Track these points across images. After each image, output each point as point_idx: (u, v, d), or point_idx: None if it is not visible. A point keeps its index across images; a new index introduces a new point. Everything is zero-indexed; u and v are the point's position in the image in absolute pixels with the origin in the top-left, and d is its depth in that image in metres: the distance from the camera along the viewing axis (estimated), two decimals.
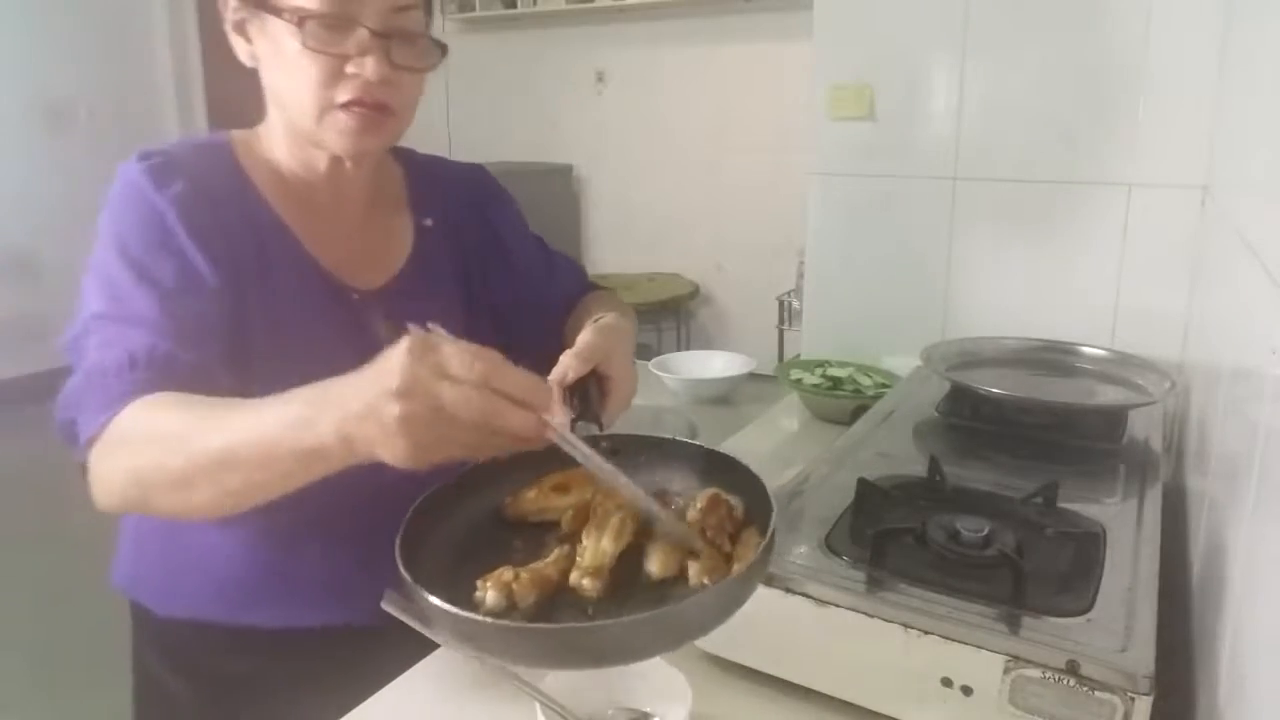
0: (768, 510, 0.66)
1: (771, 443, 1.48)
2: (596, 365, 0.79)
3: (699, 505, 0.70)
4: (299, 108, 0.84)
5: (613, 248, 4.22)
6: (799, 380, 1.57)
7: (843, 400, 1.48)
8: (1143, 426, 1.17)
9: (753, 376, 1.81)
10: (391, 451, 0.58)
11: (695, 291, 3.91)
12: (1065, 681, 0.67)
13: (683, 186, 3.99)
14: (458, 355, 0.57)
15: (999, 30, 1.48)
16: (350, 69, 0.82)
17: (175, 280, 0.80)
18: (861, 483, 0.90)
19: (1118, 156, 1.41)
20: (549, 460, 0.68)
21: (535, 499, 0.73)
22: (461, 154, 4.39)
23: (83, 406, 0.74)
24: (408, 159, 1.06)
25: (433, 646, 0.81)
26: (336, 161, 0.91)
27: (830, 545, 0.84)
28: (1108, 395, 1.23)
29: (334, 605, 0.92)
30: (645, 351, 3.90)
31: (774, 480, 1.20)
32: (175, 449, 0.69)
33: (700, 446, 0.79)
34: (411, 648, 0.82)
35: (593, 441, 0.68)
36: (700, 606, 0.60)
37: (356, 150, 0.87)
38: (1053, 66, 1.45)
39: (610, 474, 0.65)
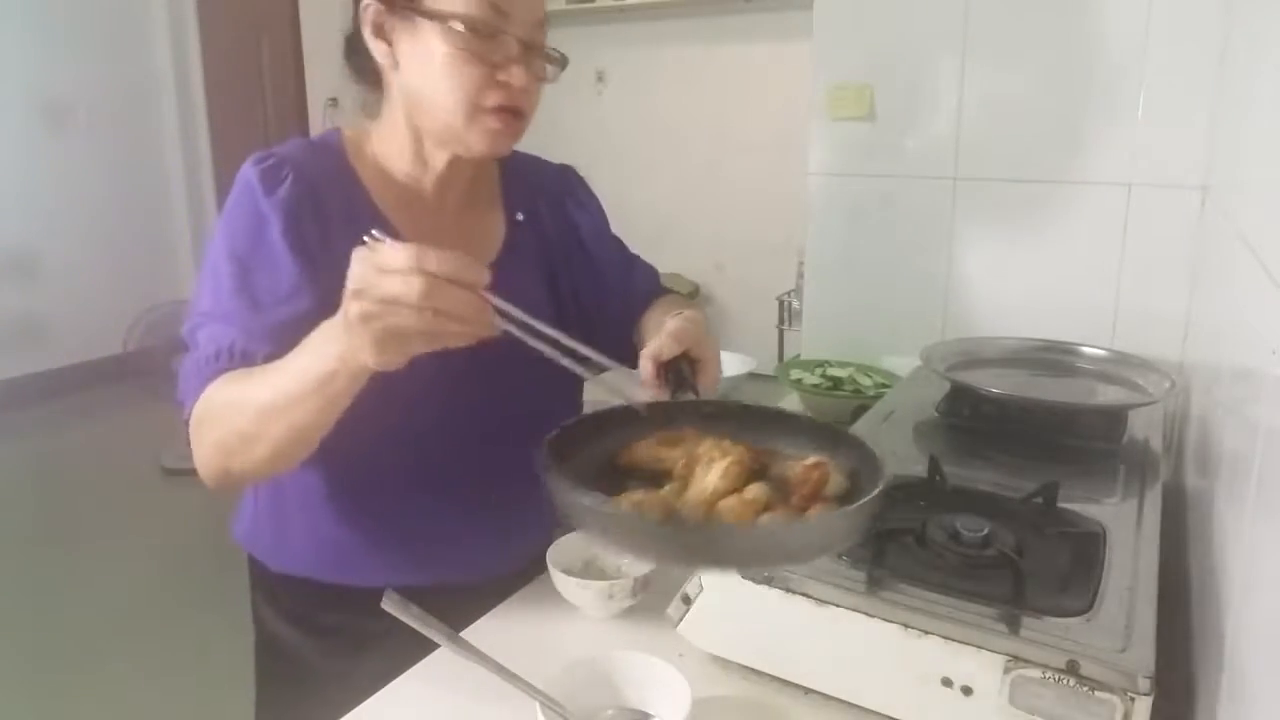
0: (876, 474, 0.66)
1: None
2: (688, 348, 0.85)
3: (806, 463, 0.70)
4: (447, 110, 0.89)
5: None
6: (799, 380, 1.57)
7: (843, 400, 1.48)
8: (1143, 426, 1.17)
9: (753, 376, 1.81)
10: (363, 351, 0.68)
11: (695, 291, 3.91)
12: (1065, 681, 0.67)
13: (683, 186, 3.99)
14: (393, 251, 0.65)
15: (999, 30, 1.48)
16: (500, 76, 0.88)
17: (272, 288, 0.86)
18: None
19: (1118, 156, 1.41)
20: (660, 422, 0.76)
21: (647, 447, 0.75)
22: None
23: (184, 393, 0.85)
24: (505, 157, 1.08)
25: (433, 646, 0.81)
26: (455, 162, 0.96)
27: None
28: (1108, 395, 1.23)
29: (428, 567, 0.98)
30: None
31: None
32: (239, 412, 0.79)
33: (811, 419, 0.82)
34: (413, 648, 0.83)
35: (695, 405, 0.77)
36: (824, 528, 0.63)
37: (496, 151, 0.93)
38: (1053, 66, 1.44)
39: (550, 341, 0.72)
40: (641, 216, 4.17)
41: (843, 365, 1.62)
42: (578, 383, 1.01)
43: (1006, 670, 0.69)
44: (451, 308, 0.65)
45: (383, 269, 0.65)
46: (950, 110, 1.53)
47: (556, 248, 1.10)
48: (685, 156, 3.95)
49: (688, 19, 3.80)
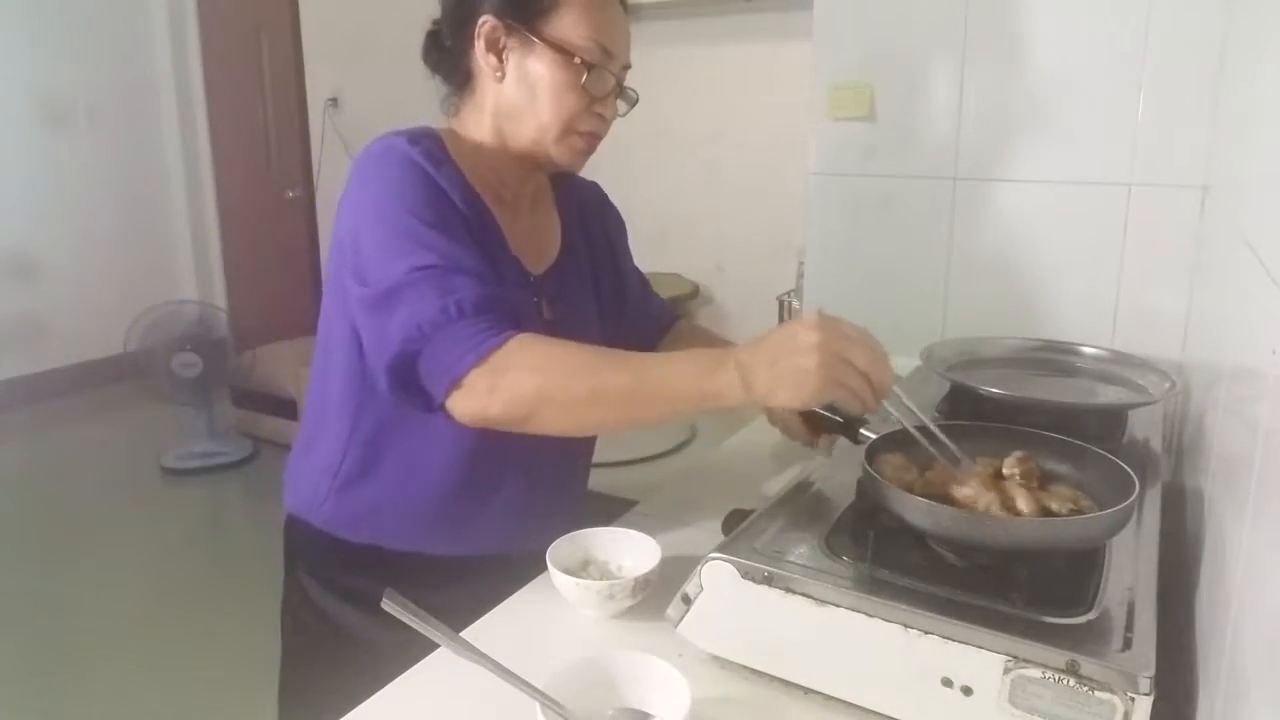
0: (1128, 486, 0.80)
1: (771, 443, 1.48)
2: None
3: (1015, 456, 0.88)
4: (542, 128, 0.99)
5: None
6: None
7: None
8: (1143, 426, 1.17)
9: None
10: (794, 392, 0.80)
11: (695, 291, 3.91)
12: (1065, 681, 0.67)
13: (683, 186, 3.98)
14: (856, 329, 0.82)
15: (999, 30, 1.48)
16: (596, 108, 0.99)
17: (470, 246, 0.92)
18: (861, 483, 0.90)
19: (1118, 156, 1.41)
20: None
21: (895, 462, 0.88)
22: None
23: (446, 342, 0.86)
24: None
25: (432, 647, 0.81)
26: (530, 175, 1.06)
27: (830, 545, 0.84)
28: (1108, 395, 1.23)
29: (516, 535, 1.06)
30: None
31: (773, 481, 1.21)
32: (585, 376, 0.85)
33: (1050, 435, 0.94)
34: (414, 649, 0.83)
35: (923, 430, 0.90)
36: (1088, 524, 0.78)
37: (574, 167, 1.05)
38: (1053, 66, 1.44)
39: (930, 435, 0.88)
40: (641, 216, 4.16)
41: None
42: None
43: (1006, 670, 0.69)
44: (879, 380, 0.81)
45: (845, 336, 0.80)
46: (950, 110, 1.53)
47: (599, 255, 1.19)
48: (685, 156, 3.95)
49: (688, 19, 3.80)
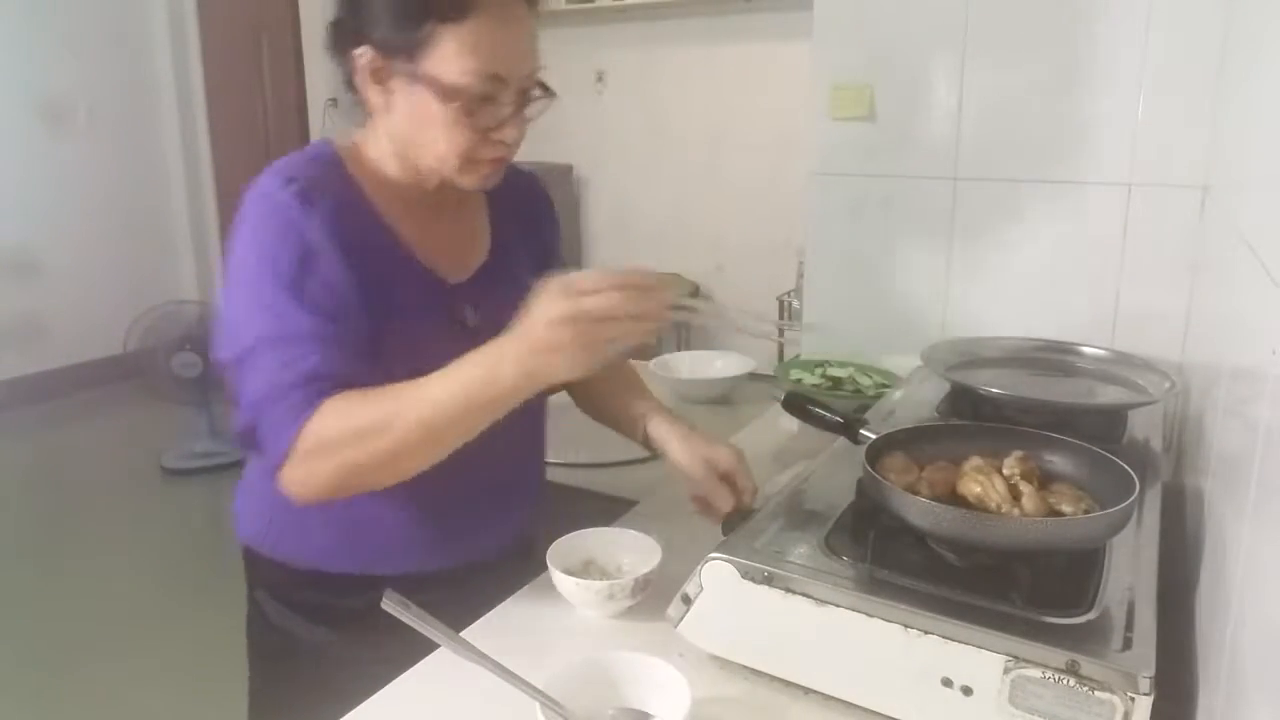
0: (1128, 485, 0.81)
1: (771, 443, 1.48)
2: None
3: (1015, 456, 0.88)
4: (438, 160, 0.93)
5: (613, 248, 4.21)
6: (799, 380, 1.57)
7: (843, 400, 1.48)
8: (1143, 426, 1.17)
9: (753, 376, 1.81)
10: (571, 366, 0.78)
11: (695, 291, 3.91)
12: (1065, 681, 0.67)
13: (683, 186, 3.99)
14: (584, 277, 0.77)
15: (999, 30, 1.48)
16: (495, 136, 0.92)
17: (331, 303, 0.88)
18: (861, 483, 0.90)
19: (1118, 156, 1.41)
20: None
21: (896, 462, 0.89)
22: None
23: (270, 421, 0.85)
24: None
25: (432, 646, 0.81)
26: (445, 187, 0.98)
27: (830, 545, 0.84)
28: (1108, 395, 1.23)
29: (462, 548, 1.05)
30: (645, 351, 3.87)
31: (773, 481, 1.21)
32: (380, 433, 0.82)
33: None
34: (415, 648, 0.83)
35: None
36: (1088, 524, 0.79)
37: (484, 188, 0.99)
38: (1053, 66, 1.44)
39: (717, 309, 0.86)
40: (641, 216, 4.17)
41: (843, 365, 1.62)
42: None
43: (1006, 670, 0.69)
44: (644, 309, 0.78)
45: (582, 292, 0.76)
46: (950, 110, 1.53)
47: (534, 251, 1.14)
48: (685, 156, 3.95)
49: (688, 19, 3.80)
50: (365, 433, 0.82)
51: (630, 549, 0.98)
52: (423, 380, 0.83)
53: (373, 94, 0.92)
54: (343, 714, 0.81)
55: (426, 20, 0.86)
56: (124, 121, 4.88)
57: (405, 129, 0.93)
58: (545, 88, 0.95)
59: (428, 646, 0.85)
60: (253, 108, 4.96)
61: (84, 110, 4.70)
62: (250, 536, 1.08)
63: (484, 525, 1.08)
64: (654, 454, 1.11)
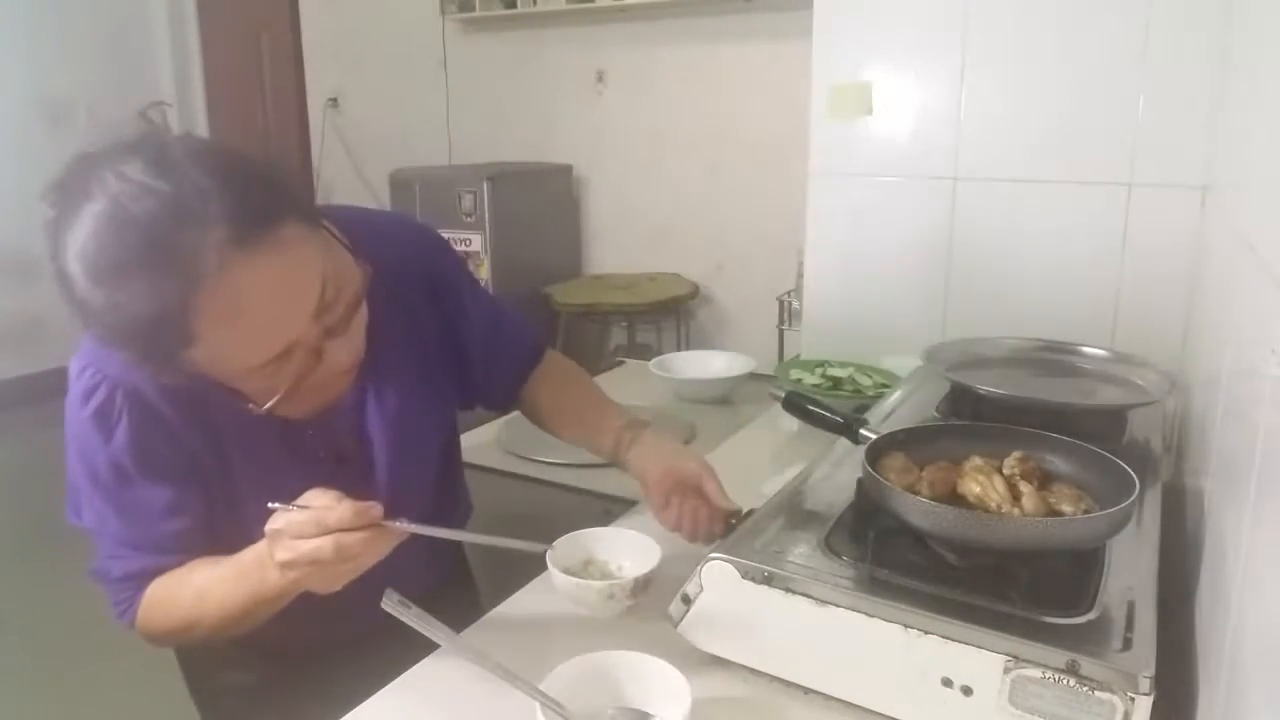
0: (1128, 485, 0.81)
1: (771, 443, 1.48)
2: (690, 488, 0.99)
3: (1015, 456, 0.88)
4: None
5: (613, 248, 4.21)
6: (799, 380, 1.57)
7: (843, 400, 1.48)
8: (1143, 426, 1.17)
9: (753, 376, 1.81)
10: (313, 590, 0.81)
11: (695, 291, 3.91)
12: (1065, 681, 0.67)
13: (683, 186, 3.98)
14: (301, 521, 0.77)
15: (999, 30, 1.48)
16: (314, 378, 0.82)
17: (152, 508, 0.89)
18: (861, 483, 0.90)
19: (1118, 156, 1.41)
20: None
21: (902, 464, 0.88)
22: (461, 154, 4.33)
23: (109, 597, 0.93)
24: (355, 240, 0.89)
25: (432, 647, 0.81)
26: None
27: (830, 545, 0.84)
28: (1108, 395, 1.23)
29: (344, 625, 0.95)
30: (645, 351, 3.88)
31: (773, 481, 1.21)
32: (194, 627, 0.89)
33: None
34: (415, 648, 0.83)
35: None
36: (1088, 524, 0.79)
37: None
38: (1052, 66, 1.44)
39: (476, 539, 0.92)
40: (641, 217, 4.18)
41: (843, 365, 1.62)
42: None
43: (1006, 670, 0.69)
44: (361, 550, 0.78)
45: (295, 538, 0.77)
46: (950, 110, 1.53)
47: (425, 326, 1.03)
48: (685, 156, 3.95)
49: (688, 19, 3.80)
50: (183, 628, 0.90)
51: (630, 549, 0.98)
52: (216, 575, 0.87)
53: None
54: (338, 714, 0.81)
55: (166, 354, 0.75)
56: (124, 122, 4.87)
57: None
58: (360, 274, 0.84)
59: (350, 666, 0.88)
60: (253, 108, 4.96)
61: (84, 110, 4.69)
62: None
63: (397, 577, 0.88)
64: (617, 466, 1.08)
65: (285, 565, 0.78)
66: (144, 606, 0.91)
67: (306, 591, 0.84)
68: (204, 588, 0.88)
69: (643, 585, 0.92)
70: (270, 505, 0.80)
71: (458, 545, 1.20)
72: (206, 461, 0.90)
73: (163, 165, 0.71)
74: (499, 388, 1.16)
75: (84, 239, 0.72)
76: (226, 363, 0.78)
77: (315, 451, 0.95)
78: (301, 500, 0.80)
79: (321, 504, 0.79)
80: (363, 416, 0.97)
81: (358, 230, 0.90)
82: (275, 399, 0.82)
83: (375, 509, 0.79)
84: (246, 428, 0.89)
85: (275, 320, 0.76)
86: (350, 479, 0.87)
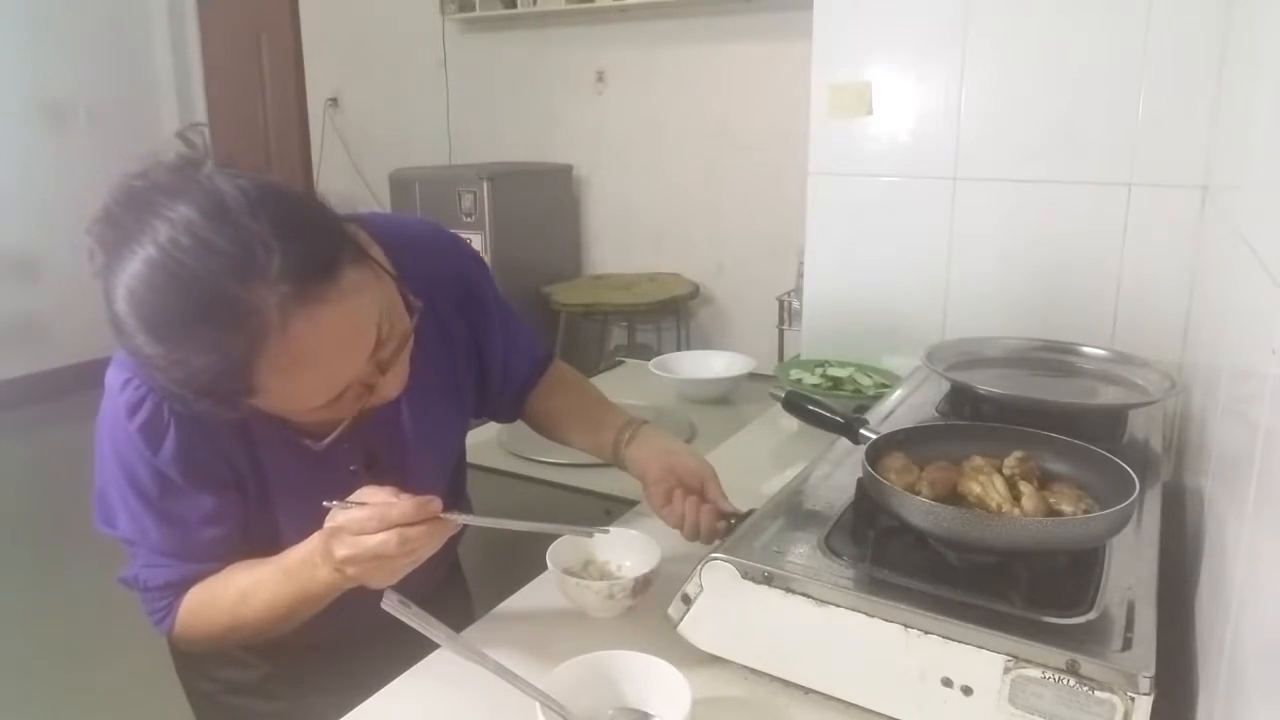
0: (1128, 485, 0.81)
1: (771, 443, 1.48)
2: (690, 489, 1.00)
3: (1015, 456, 0.88)
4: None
5: (613, 248, 4.22)
6: (799, 380, 1.57)
7: (843, 400, 1.48)
8: (1143, 426, 1.17)
9: (753, 376, 1.81)
10: (367, 585, 0.81)
11: (695, 291, 3.91)
12: (1065, 681, 0.67)
13: (683, 186, 3.99)
14: (364, 518, 0.78)
15: (999, 30, 1.48)
16: (366, 405, 0.83)
17: (194, 516, 0.89)
18: (861, 483, 0.90)
19: (1118, 156, 1.41)
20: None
21: (901, 464, 0.88)
22: (461, 154, 4.33)
23: (144, 607, 0.94)
24: (389, 251, 0.91)
25: (432, 647, 0.81)
26: None
27: (830, 545, 0.84)
28: (1108, 395, 1.23)
29: (346, 628, 0.96)
30: (645, 351, 3.87)
31: (773, 481, 1.21)
32: (237, 630, 0.90)
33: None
34: (412, 647, 0.83)
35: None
36: (1088, 524, 0.79)
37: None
38: (1052, 66, 1.44)
39: (523, 527, 0.86)
40: (641, 216, 4.18)
41: (843, 365, 1.62)
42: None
43: (1006, 670, 0.69)
44: (423, 543, 0.79)
45: (357, 533, 0.78)
46: (950, 110, 1.53)
47: (456, 336, 1.05)
48: (685, 156, 3.95)
49: (688, 19, 3.80)
50: (225, 632, 0.91)
51: (630, 549, 0.98)
52: (261, 577, 0.87)
53: None
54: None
55: (228, 401, 0.76)
56: (124, 121, 4.87)
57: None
58: (408, 302, 0.85)
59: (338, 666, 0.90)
60: (253, 108, 4.96)
61: (84, 110, 4.70)
62: None
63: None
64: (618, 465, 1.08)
65: (347, 560, 0.78)
66: (184, 613, 0.91)
67: None
68: (247, 590, 0.88)
69: (643, 585, 0.92)
70: (326, 504, 0.81)
71: (454, 551, 1.19)
72: (244, 469, 0.90)
73: (219, 216, 0.70)
74: (510, 402, 1.17)
75: (139, 289, 0.70)
76: (284, 405, 0.79)
77: (348, 459, 0.95)
78: (356, 497, 0.80)
79: (380, 499, 0.79)
80: (396, 425, 0.98)
81: (394, 243, 0.91)
82: (333, 436, 0.83)
83: (435, 502, 0.79)
84: (282, 437, 0.89)
85: (335, 367, 0.77)
86: (381, 485, 0.85)
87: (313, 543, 0.83)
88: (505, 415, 1.20)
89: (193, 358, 0.71)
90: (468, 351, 1.07)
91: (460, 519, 0.82)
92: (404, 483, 0.84)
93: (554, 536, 0.96)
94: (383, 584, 0.80)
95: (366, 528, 0.78)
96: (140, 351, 0.72)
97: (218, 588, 0.90)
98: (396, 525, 0.77)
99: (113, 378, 0.87)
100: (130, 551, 0.92)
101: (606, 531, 0.99)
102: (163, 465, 0.86)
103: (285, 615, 0.87)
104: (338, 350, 0.76)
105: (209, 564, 0.91)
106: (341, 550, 0.79)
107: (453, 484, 1.13)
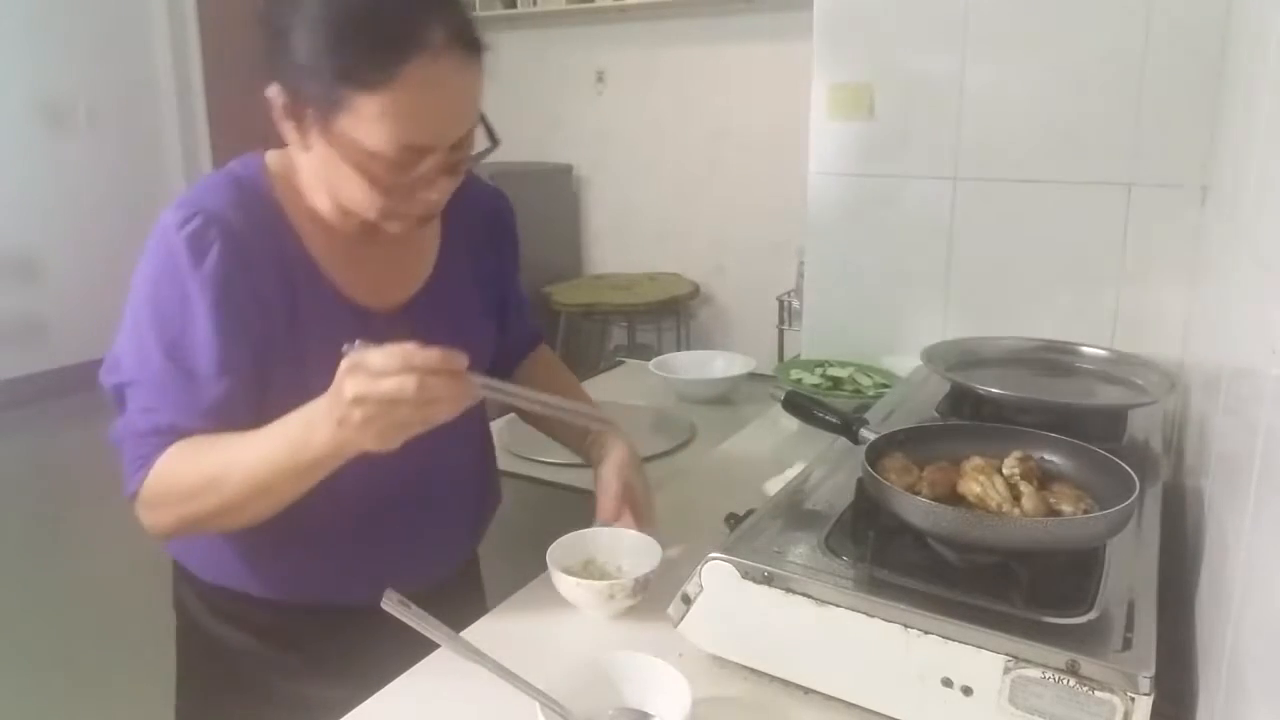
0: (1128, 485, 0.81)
1: (771, 443, 1.48)
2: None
3: (1015, 456, 0.88)
4: (359, 208, 0.88)
5: (613, 248, 4.22)
6: (799, 380, 1.57)
7: (843, 400, 1.48)
8: (1143, 426, 1.17)
9: (753, 376, 1.81)
10: (368, 443, 0.76)
11: (695, 291, 3.91)
12: (1065, 681, 0.67)
13: (683, 186, 3.99)
14: (382, 356, 0.74)
15: (999, 30, 1.48)
16: (419, 194, 0.86)
17: (203, 364, 0.86)
18: (861, 483, 0.90)
19: (1118, 156, 1.41)
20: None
21: (901, 465, 0.88)
22: None
23: (124, 461, 0.88)
24: None
25: (432, 646, 0.81)
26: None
27: (830, 545, 0.84)
28: (1108, 395, 1.23)
29: (355, 589, 0.95)
30: (645, 351, 3.87)
31: (773, 481, 1.21)
32: (209, 491, 0.84)
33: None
34: (412, 647, 0.83)
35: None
36: (1088, 524, 0.79)
37: (409, 236, 0.93)
38: (1053, 66, 1.44)
39: (545, 402, 0.88)
40: (641, 216, 4.18)
41: (843, 365, 1.62)
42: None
43: (1006, 670, 0.69)
44: (442, 394, 0.74)
45: (376, 373, 0.73)
46: (950, 110, 1.53)
47: (485, 277, 1.10)
48: (685, 156, 3.95)
49: (688, 19, 3.80)
50: (195, 492, 0.85)
51: (630, 549, 0.98)
52: (251, 437, 0.83)
53: (287, 130, 0.87)
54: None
55: (343, 84, 0.80)
56: (124, 121, 4.88)
57: (322, 173, 0.88)
58: (491, 134, 0.90)
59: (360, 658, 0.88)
60: (253, 108, 4.95)
61: (84, 110, 4.70)
62: (174, 550, 1.07)
63: (421, 554, 1.04)
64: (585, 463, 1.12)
65: (358, 400, 0.73)
66: (159, 464, 0.85)
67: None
68: (233, 448, 0.84)
69: (643, 585, 0.92)
70: (345, 348, 0.76)
71: (476, 541, 1.17)
72: (277, 309, 0.89)
73: None
74: (507, 354, 1.19)
75: None
76: (381, 131, 0.80)
77: (383, 342, 0.94)
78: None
79: (403, 346, 0.75)
80: (430, 320, 0.98)
81: None
82: (377, 209, 0.85)
83: (461, 357, 0.76)
84: (323, 308, 0.91)
85: (441, 118, 0.83)
86: None
87: (315, 404, 0.79)
88: (501, 366, 1.19)
89: (351, 33, 0.79)
90: (493, 281, 1.12)
91: (483, 380, 0.78)
92: None
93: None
94: (386, 442, 0.76)
95: (387, 366, 0.73)
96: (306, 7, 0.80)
97: (204, 445, 0.85)
98: (419, 370, 0.73)
99: (167, 216, 0.88)
100: (128, 397, 0.89)
101: (621, 430, 1.03)
102: (198, 283, 0.85)
103: (265, 484, 0.82)
104: (453, 104, 0.84)
105: (205, 422, 0.86)
106: (355, 387, 0.73)
107: (483, 451, 1.15)
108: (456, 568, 1.12)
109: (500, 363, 1.18)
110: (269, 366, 0.89)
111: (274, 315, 0.89)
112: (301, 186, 0.94)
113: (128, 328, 0.89)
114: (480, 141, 0.90)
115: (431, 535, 1.05)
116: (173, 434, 0.86)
